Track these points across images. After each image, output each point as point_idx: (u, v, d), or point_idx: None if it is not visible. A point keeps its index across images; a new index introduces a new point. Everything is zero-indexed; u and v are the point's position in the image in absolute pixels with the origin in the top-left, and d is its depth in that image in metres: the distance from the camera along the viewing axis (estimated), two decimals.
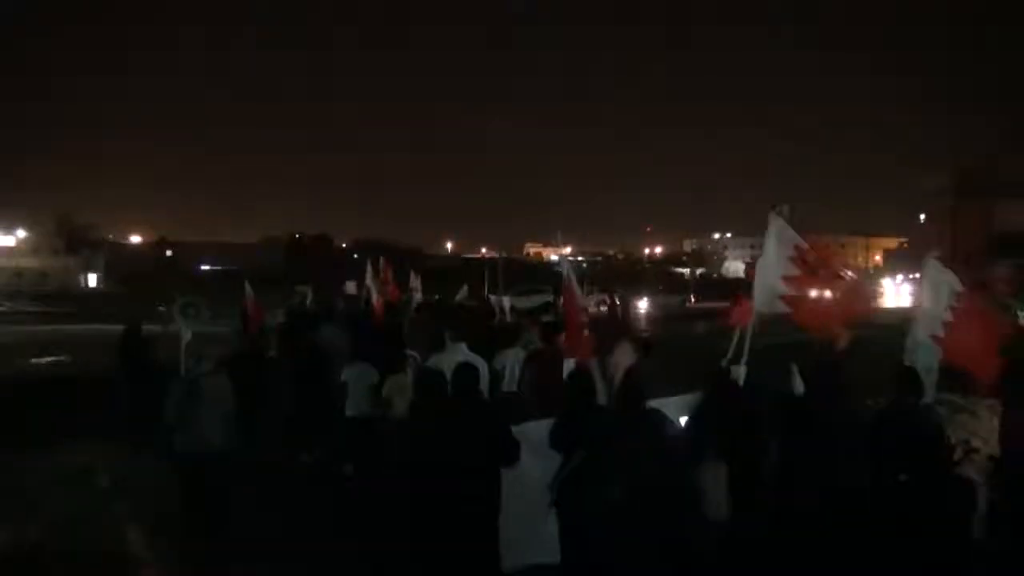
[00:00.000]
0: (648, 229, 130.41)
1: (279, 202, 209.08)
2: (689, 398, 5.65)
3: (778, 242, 5.95)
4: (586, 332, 7.13)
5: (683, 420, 5.48)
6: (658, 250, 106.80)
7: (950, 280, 6.02)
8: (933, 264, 6.18)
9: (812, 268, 5.87)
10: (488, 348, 7.82)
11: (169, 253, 76.60)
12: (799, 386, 5.63)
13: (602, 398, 5.69)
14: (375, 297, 12.73)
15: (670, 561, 4.33)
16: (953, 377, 6.22)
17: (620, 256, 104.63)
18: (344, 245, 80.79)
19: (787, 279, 5.81)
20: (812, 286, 5.87)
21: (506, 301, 16.83)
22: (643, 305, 37.11)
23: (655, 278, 65.06)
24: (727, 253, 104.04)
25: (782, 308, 5.88)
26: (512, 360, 7.73)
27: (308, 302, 15.93)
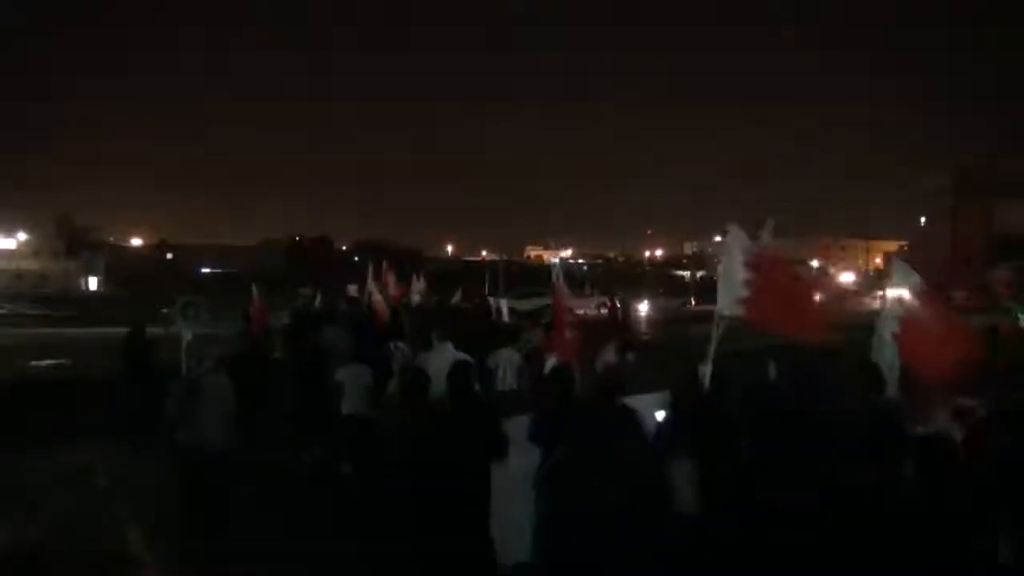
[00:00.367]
0: (649, 231, 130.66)
1: (279, 203, 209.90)
2: (662, 396, 5.89)
3: (737, 249, 6.33)
4: (570, 333, 7.39)
5: (659, 415, 5.70)
6: (659, 252, 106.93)
7: (915, 281, 6.39)
8: (900, 265, 6.56)
9: (767, 273, 6.20)
10: (482, 348, 8.02)
11: (169, 256, 76.71)
12: (774, 384, 5.93)
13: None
14: (377, 299, 12.78)
15: (646, 555, 4.38)
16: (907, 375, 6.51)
17: (620, 259, 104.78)
18: (344, 247, 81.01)
19: (746, 283, 6.16)
20: (768, 290, 6.17)
21: (503, 304, 16.98)
22: (643, 308, 37.13)
23: (656, 281, 65.15)
24: None
25: (741, 312, 6.22)
26: (505, 360, 7.92)
27: (316, 304, 16.00)
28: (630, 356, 7.80)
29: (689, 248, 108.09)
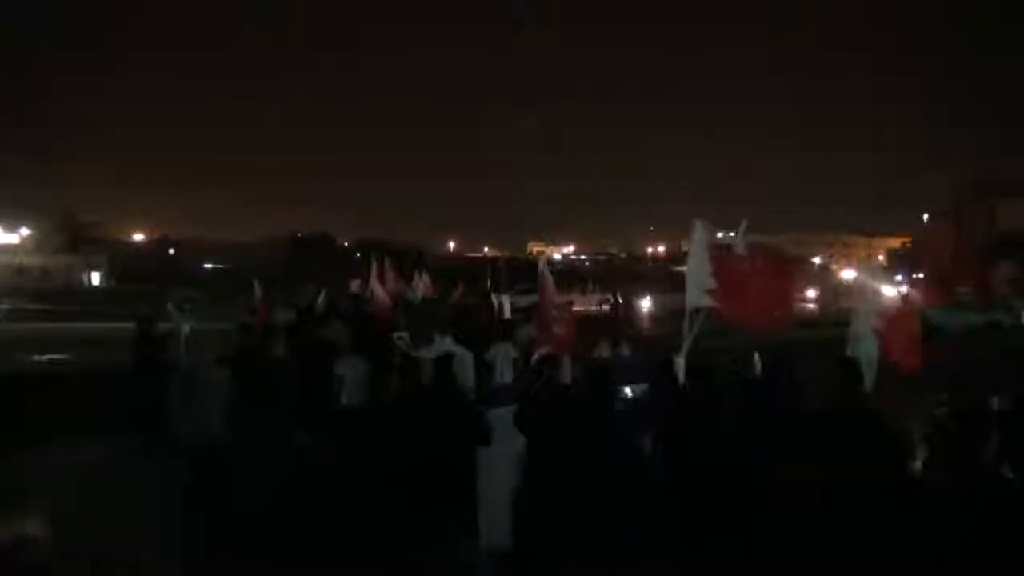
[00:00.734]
0: (651, 228, 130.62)
1: (281, 200, 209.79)
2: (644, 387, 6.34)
3: (703, 244, 6.72)
4: (558, 327, 7.89)
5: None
6: (661, 249, 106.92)
7: (893, 281, 6.85)
8: (879, 265, 7.11)
9: (729, 267, 6.62)
10: (481, 342, 8.32)
11: (171, 251, 76.81)
12: (756, 374, 6.28)
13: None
14: (379, 295, 12.82)
15: (619, 529, 4.60)
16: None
17: (623, 255, 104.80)
18: (346, 244, 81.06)
19: (713, 275, 6.54)
20: (730, 283, 6.57)
21: (505, 300, 17.12)
22: (646, 304, 37.17)
23: (665, 277, 65.13)
24: None
25: (709, 302, 6.61)
26: (502, 354, 8.17)
27: (320, 301, 16.03)
28: (624, 349, 8.17)
29: (687, 245, 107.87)
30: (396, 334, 8.65)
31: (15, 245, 69.14)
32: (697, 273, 6.61)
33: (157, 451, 7.21)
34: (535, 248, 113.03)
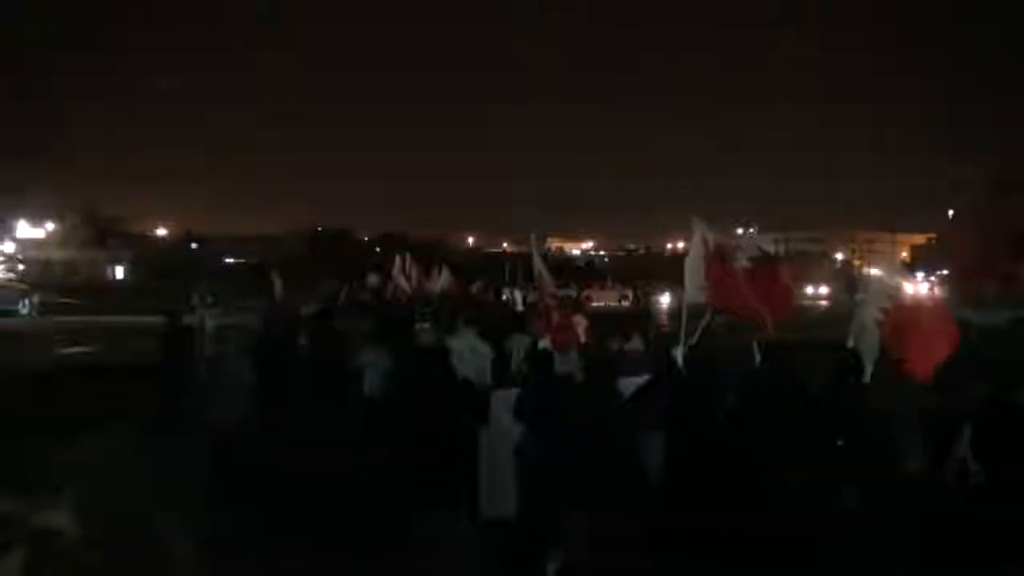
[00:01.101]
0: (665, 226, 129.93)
1: (303, 195, 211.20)
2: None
3: (700, 242, 6.89)
4: (557, 316, 8.32)
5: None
6: (680, 245, 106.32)
7: (905, 279, 7.05)
8: (891, 260, 7.21)
9: (722, 263, 6.79)
10: (500, 334, 8.72)
11: (195, 246, 77.59)
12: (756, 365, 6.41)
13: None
14: (402, 286, 12.98)
15: (617, 512, 4.76)
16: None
17: (641, 251, 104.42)
18: (367, 238, 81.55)
19: (707, 273, 6.75)
20: (722, 279, 6.75)
21: (517, 294, 17.58)
22: (664, 299, 37.04)
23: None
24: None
25: (703, 298, 6.84)
26: (517, 345, 8.62)
27: (343, 295, 16.21)
28: (636, 343, 8.51)
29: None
30: (419, 325, 8.90)
31: (41, 239, 70.13)
32: (693, 271, 6.81)
33: (184, 442, 7.32)
34: (554, 244, 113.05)
